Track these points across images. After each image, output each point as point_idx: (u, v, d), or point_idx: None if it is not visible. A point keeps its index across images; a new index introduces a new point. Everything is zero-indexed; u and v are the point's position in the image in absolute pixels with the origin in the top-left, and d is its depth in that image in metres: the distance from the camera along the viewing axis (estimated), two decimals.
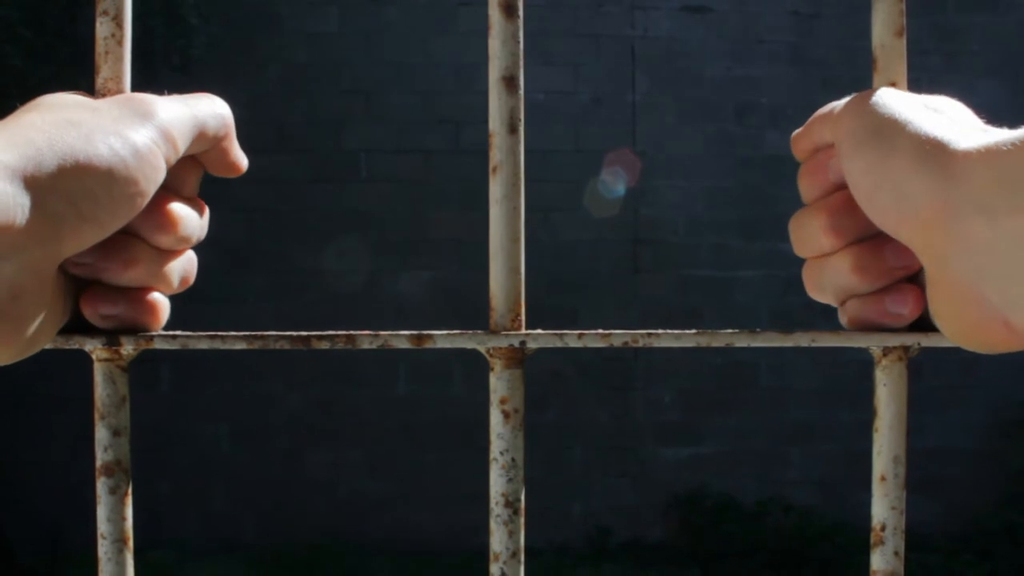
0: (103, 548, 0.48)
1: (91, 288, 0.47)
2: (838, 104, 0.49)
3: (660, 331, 0.49)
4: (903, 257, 0.47)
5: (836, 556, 4.08)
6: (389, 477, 4.34)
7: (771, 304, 4.43)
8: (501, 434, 0.49)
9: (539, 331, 0.49)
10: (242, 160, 0.52)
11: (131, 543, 0.49)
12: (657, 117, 4.43)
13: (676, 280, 4.43)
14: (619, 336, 0.49)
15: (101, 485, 0.48)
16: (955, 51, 4.47)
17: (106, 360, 0.49)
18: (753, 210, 4.40)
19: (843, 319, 0.51)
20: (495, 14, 0.50)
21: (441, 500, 4.28)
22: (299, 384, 4.29)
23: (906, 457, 0.49)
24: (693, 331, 0.49)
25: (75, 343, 0.48)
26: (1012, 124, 0.42)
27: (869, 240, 0.48)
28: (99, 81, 0.49)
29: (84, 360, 0.55)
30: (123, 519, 0.49)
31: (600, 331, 0.49)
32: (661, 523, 4.41)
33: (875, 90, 0.48)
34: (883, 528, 0.49)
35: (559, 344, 0.49)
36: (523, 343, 0.49)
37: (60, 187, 0.41)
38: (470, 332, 0.49)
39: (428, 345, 0.49)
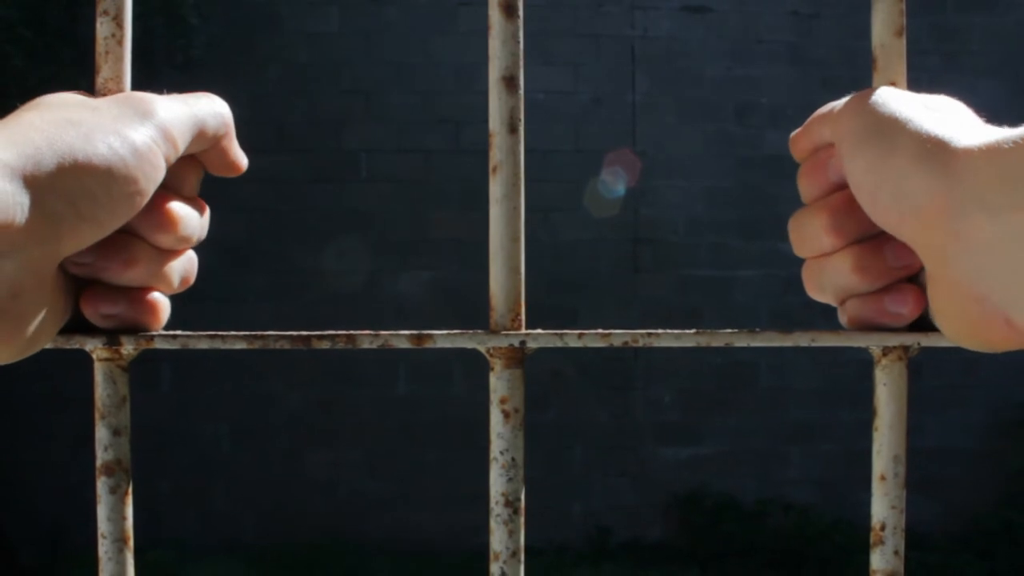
0: (103, 547, 0.48)
1: (91, 288, 0.47)
2: (837, 104, 0.49)
3: (660, 331, 0.49)
4: (903, 257, 0.47)
5: (836, 555, 4.08)
6: (389, 477, 4.34)
7: (771, 304, 4.43)
8: (501, 434, 0.49)
9: (539, 331, 0.49)
10: (242, 159, 0.52)
11: (131, 542, 0.49)
12: (657, 117, 4.43)
13: (676, 280, 4.43)
14: (619, 336, 0.49)
15: (101, 485, 0.48)
16: (955, 51, 4.47)
17: (106, 360, 0.49)
18: (753, 210, 4.40)
19: (843, 319, 0.51)
20: (495, 14, 0.50)
21: (441, 500, 4.28)
22: (299, 384, 4.29)
23: (906, 456, 0.50)
24: (693, 331, 0.49)
25: (75, 343, 0.48)
26: (1012, 124, 0.42)
27: (869, 240, 0.48)
28: (99, 81, 0.49)
29: (84, 360, 0.55)
30: (123, 518, 0.49)
31: (600, 331, 0.49)
32: (661, 523, 4.41)
33: (875, 89, 0.48)
34: (883, 527, 0.49)
35: (559, 344, 0.49)
36: (523, 343, 0.49)
37: (59, 186, 0.41)
38: (470, 332, 0.49)
39: (428, 345, 0.49)
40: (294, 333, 0.49)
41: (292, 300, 4.30)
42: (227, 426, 4.32)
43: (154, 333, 0.49)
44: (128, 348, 0.48)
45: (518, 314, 0.50)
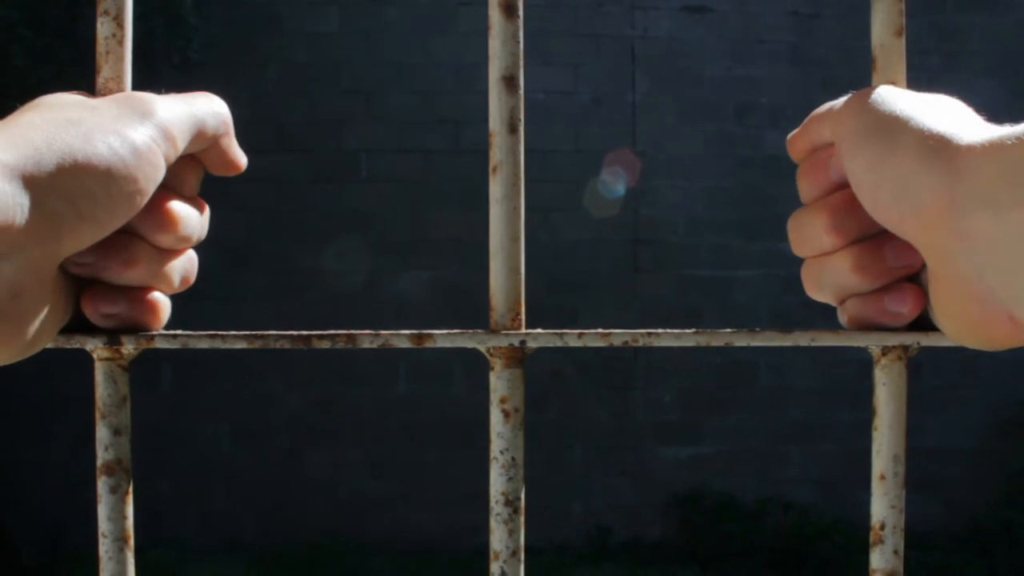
0: (104, 547, 0.48)
1: (92, 287, 0.47)
2: (836, 103, 0.49)
3: (660, 331, 0.49)
4: (903, 256, 0.47)
5: (836, 555, 4.08)
6: (389, 477, 4.34)
7: (770, 303, 4.43)
8: (501, 433, 0.49)
9: (539, 330, 0.49)
10: (241, 158, 0.52)
11: (132, 542, 0.49)
12: (657, 117, 4.43)
13: (676, 280, 4.43)
14: (619, 335, 0.49)
15: (102, 484, 0.48)
16: (954, 51, 4.47)
17: (107, 359, 0.49)
18: (753, 210, 4.40)
19: (842, 318, 0.51)
20: (495, 14, 0.50)
21: (441, 500, 4.28)
22: (299, 384, 4.30)
23: (905, 456, 0.50)
24: (693, 331, 0.49)
25: (76, 342, 0.48)
26: (1012, 123, 0.42)
27: (869, 239, 0.48)
28: (100, 81, 0.49)
29: (85, 360, 0.55)
30: (124, 518, 0.49)
31: (600, 331, 0.49)
32: (661, 522, 4.41)
33: (875, 88, 0.48)
34: (883, 527, 0.49)
35: (559, 343, 0.49)
36: (523, 342, 0.49)
37: (59, 186, 0.41)
38: (470, 331, 0.49)
39: (428, 344, 0.49)
40: (294, 333, 0.49)
41: (292, 300, 4.30)
42: (227, 426, 4.32)
43: (154, 333, 0.49)
44: (128, 348, 0.48)
45: (518, 314, 0.50)
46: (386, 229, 4.36)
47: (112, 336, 0.48)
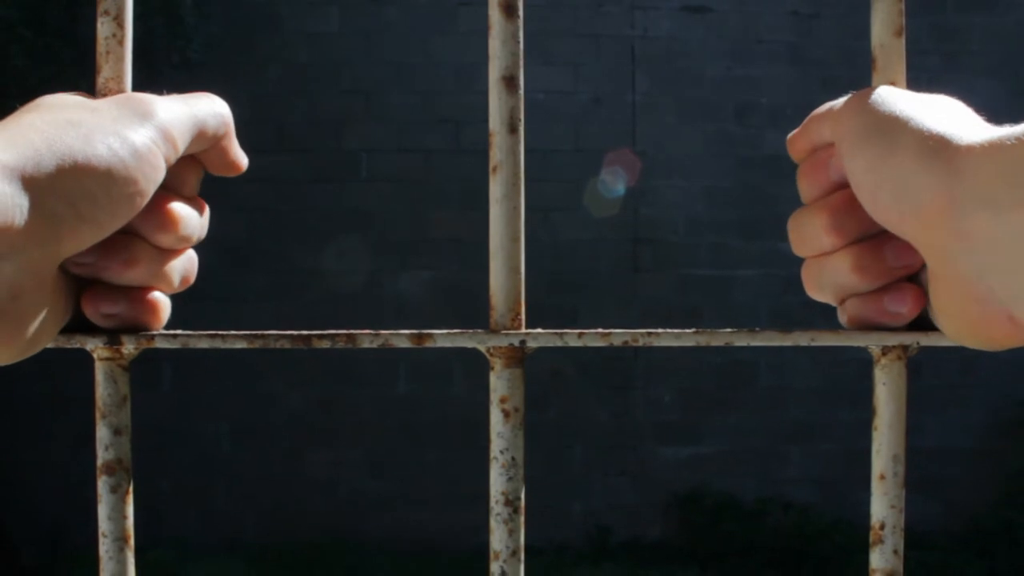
0: (104, 546, 0.48)
1: (92, 287, 0.47)
2: (836, 103, 0.49)
3: (660, 330, 0.49)
4: (903, 256, 0.47)
5: (835, 555, 4.08)
6: (389, 476, 4.34)
7: (770, 303, 4.43)
8: (501, 433, 0.49)
9: (539, 330, 0.49)
10: (242, 159, 0.52)
11: (132, 542, 0.49)
12: (657, 117, 4.43)
13: (676, 280, 4.43)
14: (619, 335, 0.49)
15: (102, 484, 0.48)
16: (954, 51, 4.47)
17: (107, 359, 0.49)
18: (753, 210, 4.40)
19: (842, 318, 0.51)
20: (495, 14, 0.50)
21: (441, 499, 4.28)
22: (299, 383, 4.30)
23: (905, 456, 0.50)
24: (693, 330, 0.49)
25: (76, 342, 0.48)
26: (1012, 124, 0.42)
27: (869, 239, 0.48)
28: (100, 81, 0.49)
29: (85, 359, 0.55)
30: (124, 518, 0.49)
31: (600, 330, 0.50)
32: (661, 522, 4.41)
33: (875, 88, 0.48)
34: (882, 527, 0.49)
35: (559, 343, 0.49)
36: (523, 342, 0.49)
37: (59, 187, 0.41)
38: (470, 331, 0.49)
39: (428, 344, 0.49)
40: (294, 333, 0.49)
41: (292, 300, 4.30)
42: (228, 425, 4.32)
43: (155, 332, 0.49)
44: (129, 347, 0.48)
45: (518, 314, 0.50)
46: (386, 229, 4.36)
47: (112, 336, 0.48)
